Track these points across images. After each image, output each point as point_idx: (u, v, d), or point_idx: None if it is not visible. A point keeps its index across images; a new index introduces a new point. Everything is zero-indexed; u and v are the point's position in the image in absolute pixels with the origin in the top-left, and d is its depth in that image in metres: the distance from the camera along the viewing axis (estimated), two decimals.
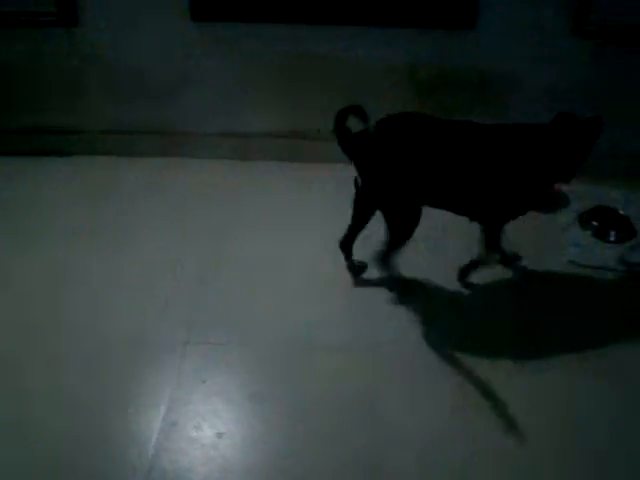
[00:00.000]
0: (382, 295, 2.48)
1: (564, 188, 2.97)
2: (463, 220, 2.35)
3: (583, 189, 3.01)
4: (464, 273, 2.54)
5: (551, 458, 1.91)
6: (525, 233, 2.67)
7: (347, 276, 2.56)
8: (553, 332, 2.36)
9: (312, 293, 2.49)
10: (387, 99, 2.88)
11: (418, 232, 2.29)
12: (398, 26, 2.82)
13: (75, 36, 2.94)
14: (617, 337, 2.34)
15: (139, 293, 2.49)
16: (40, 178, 3.09)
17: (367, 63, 2.94)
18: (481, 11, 2.77)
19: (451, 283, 2.54)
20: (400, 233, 2.31)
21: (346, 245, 2.53)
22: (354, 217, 2.42)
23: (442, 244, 2.64)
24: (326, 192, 2.96)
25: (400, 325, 2.36)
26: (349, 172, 2.91)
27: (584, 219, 2.90)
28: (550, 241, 2.79)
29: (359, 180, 2.27)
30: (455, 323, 2.39)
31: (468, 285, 2.54)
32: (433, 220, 2.31)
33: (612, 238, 2.81)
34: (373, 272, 2.51)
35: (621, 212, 2.94)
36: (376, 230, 2.35)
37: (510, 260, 2.63)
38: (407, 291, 2.50)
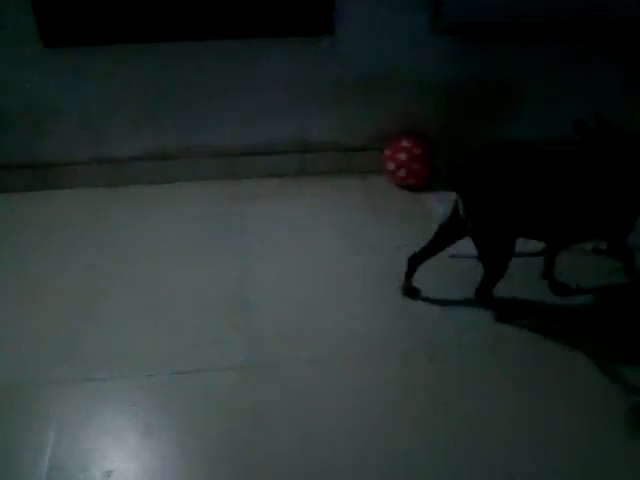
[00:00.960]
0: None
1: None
2: None
3: None
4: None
5: None
6: (399, 228, 2.81)
7: (233, 295, 2.51)
8: None
9: (194, 317, 2.42)
10: (248, 112, 2.96)
11: None
12: (255, 36, 2.81)
13: None
14: None
15: (8, 332, 2.36)
16: None
17: (225, 77, 2.93)
18: (338, 16, 2.80)
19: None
20: (499, 266, 2.28)
21: (415, 263, 2.49)
22: (437, 241, 2.40)
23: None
24: (202, 210, 2.95)
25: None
26: (222, 187, 2.93)
27: None
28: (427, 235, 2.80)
29: (461, 211, 2.23)
30: None
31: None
32: None
33: None
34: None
35: None
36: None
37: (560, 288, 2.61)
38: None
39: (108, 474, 1.87)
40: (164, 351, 2.28)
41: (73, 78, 2.86)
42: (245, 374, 2.19)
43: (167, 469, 1.91)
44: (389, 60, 2.96)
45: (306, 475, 1.88)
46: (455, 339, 2.35)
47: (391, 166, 3.09)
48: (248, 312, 2.44)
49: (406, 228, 2.87)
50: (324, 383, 2.17)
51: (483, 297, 2.39)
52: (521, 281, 2.54)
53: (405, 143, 3.07)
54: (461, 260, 2.67)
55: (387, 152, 3.11)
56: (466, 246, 2.70)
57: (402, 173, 3.07)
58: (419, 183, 3.12)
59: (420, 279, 2.54)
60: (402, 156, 3.05)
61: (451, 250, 2.68)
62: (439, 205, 2.95)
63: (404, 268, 2.53)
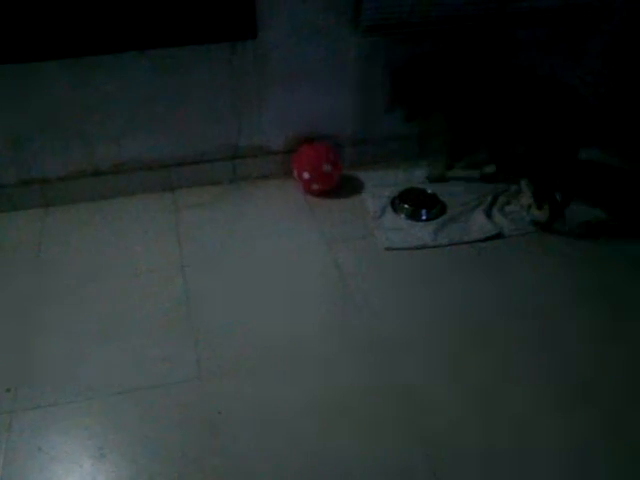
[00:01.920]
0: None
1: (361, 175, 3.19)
2: None
3: (383, 174, 3.20)
4: None
5: None
6: (337, 225, 2.86)
7: (178, 308, 2.49)
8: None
9: (140, 334, 2.39)
10: (177, 122, 2.97)
11: None
12: (178, 45, 2.78)
13: None
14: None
15: None
16: None
17: (151, 88, 2.89)
18: (261, 20, 2.80)
19: None
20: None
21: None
22: None
23: None
24: (139, 224, 2.93)
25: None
26: (157, 200, 2.92)
27: (395, 204, 3.01)
28: (364, 231, 2.89)
29: None
30: None
31: None
32: None
33: (424, 217, 2.93)
34: None
35: (429, 191, 3.07)
36: None
37: None
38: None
39: None
40: (112, 371, 2.24)
41: None
42: (196, 387, 2.18)
43: None
44: (313, 61, 2.97)
45: None
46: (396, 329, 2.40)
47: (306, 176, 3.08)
48: (194, 324, 2.43)
49: (344, 225, 2.91)
50: (278, 388, 2.18)
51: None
52: None
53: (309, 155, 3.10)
54: (396, 253, 2.73)
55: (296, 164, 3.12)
56: (399, 238, 2.79)
57: (315, 186, 3.09)
58: (332, 187, 3.13)
59: (356, 275, 2.59)
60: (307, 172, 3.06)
61: (385, 242, 2.76)
62: (372, 202, 3.01)
63: (344, 263, 2.64)
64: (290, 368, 2.25)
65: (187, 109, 2.98)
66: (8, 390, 2.18)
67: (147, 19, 2.68)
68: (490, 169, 3.13)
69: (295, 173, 3.11)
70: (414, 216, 2.94)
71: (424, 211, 2.95)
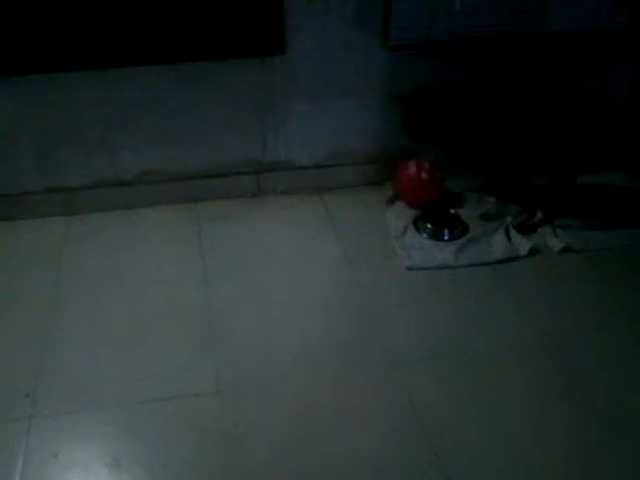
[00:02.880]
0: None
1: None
2: None
3: None
4: None
5: None
6: (359, 242, 2.86)
7: (200, 320, 2.49)
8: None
9: (160, 344, 2.39)
10: (203, 135, 3.00)
11: None
12: (206, 59, 2.81)
13: None
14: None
15: None
16: None
17: (177, 101, 2.92)
18: (289, 35, 2.82)
19: None
20: None
21: None
22: None
23: None
24: (161, 235, 2.95)
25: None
26: (179, 211, 2.94)
27: (418, 223, 3.00)
28: (386, 249, 2.88)
29: None
30: None
31: None
32: None
33: (447, 237, 2.92)
34: None
35: (452, 211, 3.06)
36: None
37: None
38: None
39: None
40: (131, 380, 2.24)
41: (23, 107, 2.81)
42: (215, 399, 2.17)
43: None
44: (340, 77, 2.99)
45: None
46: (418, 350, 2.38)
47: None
48: (216, 336, 2.42)
49: (365, 242, 2.90)
50: (295, 403, 2.16)
51: None
52: None
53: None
54: (417, 272, 2.72)
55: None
56: (421, 258, 2.78)
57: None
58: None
59: (376, 293, 2.61)
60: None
61: (407, 261, 2.75)
62: (395, 221, 3.01)
63: (365, 281, 2.63)
64: (308, 383, 2.23)
65: (212, 122, 3.00)
66: (27, 395, 2.18)
67: (176, 33, 2.72)
68: (492, 209, 3.09)
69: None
70: (436, 236, 2.93)
71: (446, 231, 2.94)
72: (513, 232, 2.94)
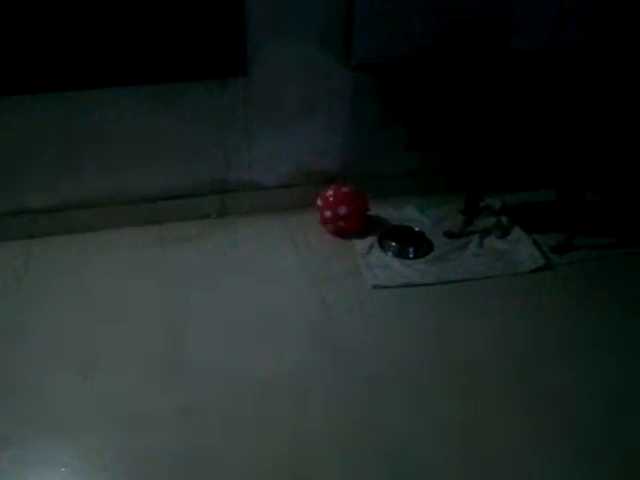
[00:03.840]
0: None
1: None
2: None
3: (375, 212, 3.18)
4: None
5: None
6: (324, 262, 2.86)
7: (164, 344, 2.46)
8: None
9: (124, 370, 2.36)
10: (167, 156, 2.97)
11: None
12: (169, 81, 2.81)
13: None
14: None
15: None
16: None
17: (142, 121, 2.91)
18: (251, 56, 2.83)
19: None
20: None
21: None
22: None
23: None
24: (125, 258, 2.92)
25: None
26: (144, 233, 2.92)
27: (383, 241, 3.00)
28: (352, 269, 2.87)
29: None
30: None
31: None
32: None
33: (412, 255, 2.93)
34: None
35: (416, 229, 3.08)
36: None
37: None
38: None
39: None
40: (92, 404, 2.21)
41: None
42: (179, 420, 2.14)
43: None
44: (303, 97, 3.00)
45: None
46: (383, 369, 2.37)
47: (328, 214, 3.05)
48: (177, 357, 2.40)
49: (331, 261, 2.91)
50: (253, 428, 2.14)
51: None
52: None
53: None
54: (383, 291, 2.73)
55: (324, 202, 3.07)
56: (387, 276, 2.79)
57: (340, 223, 3.05)
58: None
59: (342, 312, 2.61)
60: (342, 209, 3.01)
61: (372, 280, 2.75)
62: (360, 240, 3.02)
63: (331, 300, 2.63)
64: (270, 404, 2.22)
65: (177, 143, 2.99)
66: None
67: (140, 55, 2.71)
68: (456, 227, 3.09)
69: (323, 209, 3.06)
70: (401, 254, 2.93)
71: (411, 249, 2.95)
72: (482, 249, 2.96)
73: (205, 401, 2.23)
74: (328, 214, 3.02)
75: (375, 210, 3.18)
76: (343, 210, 2.99)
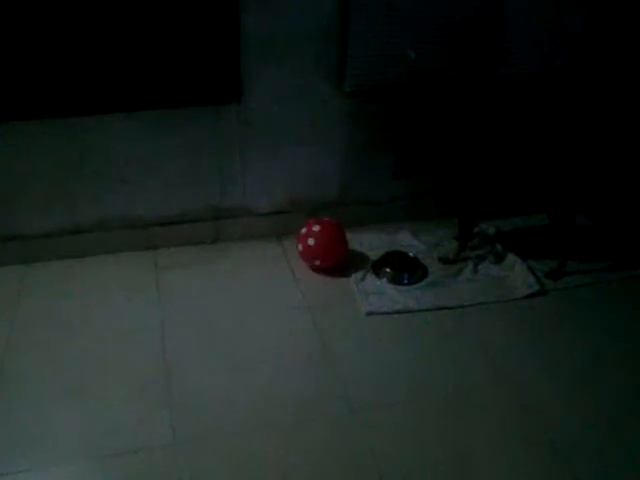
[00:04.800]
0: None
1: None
2: None
3: (367, 237, 3.20)
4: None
5: None
6: (318, 288, 2.86)
7: (156, 370, 2.44)
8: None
9: (116, 396, 2.33)
10: (160, 182, 2.98)
11: None
12: (163, 107, 2.82)
13: None
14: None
15: None
16: None
17: (135, 148, 2.92)
18: (246, 83, 2.86)
19: None
20: None
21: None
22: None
23: None
24: (118, 283, 2.91)
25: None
26: (137, 259, 2.90)
27: (377, 268, 3.00)
28: (346, 295, 2.87)
29: None
30: None
31: None
32: None
33: (406, 281, 2.93)
34: None
35: (411, 255, 3.08)
36: None
37: None
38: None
39: None
40: (86, 435, 2.18)
41: None
42: (173, 451, 2.12)
43: None
44: (297, 124, 3.02)
45: None
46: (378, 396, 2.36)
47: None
48: (173, 386, 2.37)
49: (325, 288, 2.90)
50: (249, 456, 2.11)
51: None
52: None
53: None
54: (377, 317, 2.72)
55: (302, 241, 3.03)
56: (381, 302, 2.78)
57: (317, 262, 3.00)
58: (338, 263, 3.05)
59: (336, 339, 2.60)
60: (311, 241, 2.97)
61: (366, 307, 2.74)
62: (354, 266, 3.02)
63: (327, 326, 2.64)
64: (266, 434, 2.19)
65: (170, 169, 3.00)
66: None
67: (134, 82, 2.73)
68: (451, 254, 3.10)
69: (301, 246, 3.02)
70: (396, 280, 2.93)
71: (406, 275, 2.95)
72: (476, 275, 2.96)
73: (198, 432, 2.20)
74: (300, 248, 3.01)
75: (368, 235, 3.20)
76: (311, 241, 2.96)
